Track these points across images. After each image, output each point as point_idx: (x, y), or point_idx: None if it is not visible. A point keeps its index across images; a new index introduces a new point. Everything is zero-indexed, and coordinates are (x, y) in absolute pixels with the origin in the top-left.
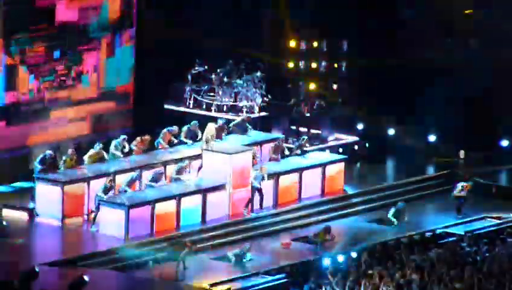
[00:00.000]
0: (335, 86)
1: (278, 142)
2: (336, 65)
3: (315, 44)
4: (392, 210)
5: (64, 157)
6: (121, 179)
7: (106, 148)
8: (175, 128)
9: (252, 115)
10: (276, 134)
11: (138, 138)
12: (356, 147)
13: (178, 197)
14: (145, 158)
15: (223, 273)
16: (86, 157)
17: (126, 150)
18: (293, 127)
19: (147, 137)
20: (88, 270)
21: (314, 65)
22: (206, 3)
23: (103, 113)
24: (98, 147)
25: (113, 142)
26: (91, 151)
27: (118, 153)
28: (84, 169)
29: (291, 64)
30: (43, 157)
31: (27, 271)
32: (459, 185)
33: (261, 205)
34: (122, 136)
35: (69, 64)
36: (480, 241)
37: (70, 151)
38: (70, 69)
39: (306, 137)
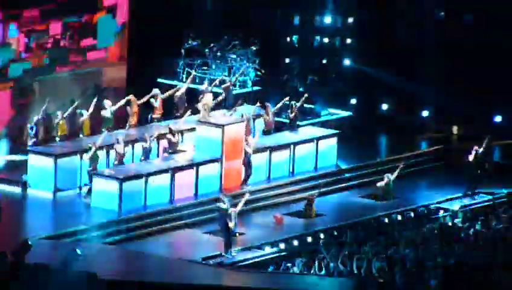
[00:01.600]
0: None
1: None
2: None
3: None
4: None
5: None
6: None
7: None
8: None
9: (245, 90)
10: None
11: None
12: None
13: (172, 170)
14: (138, 132)
15: (215, 247)
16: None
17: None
18: (286, 102)
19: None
20: (80, 243)
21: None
22: None
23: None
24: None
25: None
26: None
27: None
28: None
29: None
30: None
31: (20, 244)
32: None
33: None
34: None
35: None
36: (473, 217)
37: (59, 114)
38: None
39: (293, 103)
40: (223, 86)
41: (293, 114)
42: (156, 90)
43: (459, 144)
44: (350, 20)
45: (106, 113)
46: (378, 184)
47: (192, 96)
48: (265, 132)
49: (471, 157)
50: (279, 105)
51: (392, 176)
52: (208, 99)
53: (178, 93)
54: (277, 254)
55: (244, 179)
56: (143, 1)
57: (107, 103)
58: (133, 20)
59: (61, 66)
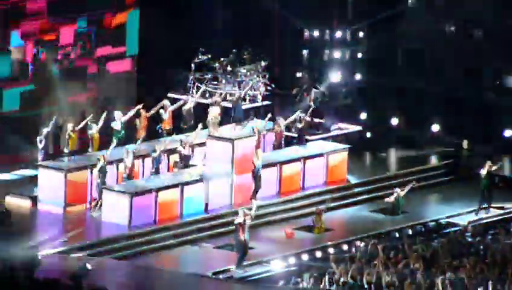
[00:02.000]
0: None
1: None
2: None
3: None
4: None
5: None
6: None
7: None
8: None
9: (256, 104)
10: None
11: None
12: (359, 137)
13: (181, 185)
14: (146, 146)
15: (225, 262)
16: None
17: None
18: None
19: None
20: (91, 258)
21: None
22: None
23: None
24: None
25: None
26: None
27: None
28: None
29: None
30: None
31: (31, 259)
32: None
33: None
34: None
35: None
36: (483, 231)
37: (70, 127)
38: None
39: (302, 115)
40: (231, 99)
41: (302, 125)
42: (165, 101)
43: (469, 159)
44: (360, 34)
45: (116, 125)
46: (387, 199)
47: (201, 111)
48: (275, 146)
49: (483, 172)
50: (291, 118)
51: (402, 192)
52: (214, 113)
53: (186, 107)
54: (287, 269)
55: (253, 192)
56: (153, 15)
57: (117, 114)
58: (143, 34)
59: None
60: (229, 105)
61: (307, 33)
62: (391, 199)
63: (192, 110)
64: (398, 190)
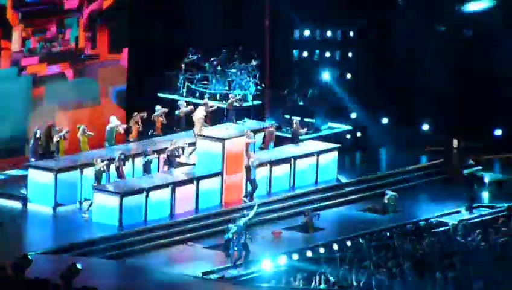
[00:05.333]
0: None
1: (267, 131)
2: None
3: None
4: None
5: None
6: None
7: None
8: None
9: (246, 104)
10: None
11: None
12: (348, 136)
13: (172, 185)
14: (138, 146)
15: (215, 262)
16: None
17: (121, 130)
18: (287, 116)
19: (142, 114)
20: (81, 258)
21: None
22: None
23: None
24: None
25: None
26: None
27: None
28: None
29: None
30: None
31: (20, 259)
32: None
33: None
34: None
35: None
36: (473, 230)
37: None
38: None
39: (297, 120)
40: (228, 102)
41: (294, 128)
42: (158, 108)
43: (459, 158)
44: (351, 33)
45: (109, 127)
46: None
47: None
48: (263, 148)
49: (471, 171)
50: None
51: (391, 192)
52: (199, 113)
53: (180, 111)
54: (278, 269)
55: (250, 193)
56: (143, 14)
57: (112, 118)
58: (132, 34)
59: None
60: (221, 105)
61: (297, 33)
62: (385, 199)
63: (184, 116)
64: (388, 191)
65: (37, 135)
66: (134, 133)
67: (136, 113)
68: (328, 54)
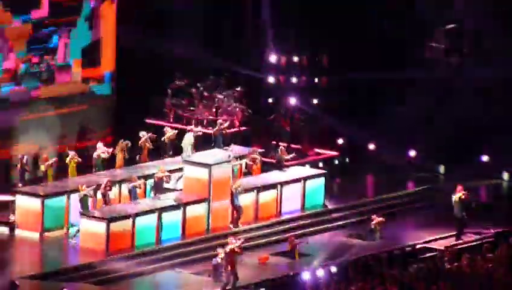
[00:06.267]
0: (315, 101)
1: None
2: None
3: (295, 59)
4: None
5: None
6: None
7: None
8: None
9: (233, 130)
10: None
11: (120, 142)
12: (336, 162)
13: (159, 211)
14: (124, 172)
15: (201, 287)
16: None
17: (105, 155)
18: (273, 142)
19: (127, 142)
20: (68, 284)
21: (294, 80)
22: (186, 19)
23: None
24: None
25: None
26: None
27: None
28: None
29: (271, 79)
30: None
31: (8, 284)
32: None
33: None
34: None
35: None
36: (460, 256)
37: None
38: None
39: (282, 147)
40: (214, 129)
41: (279, 154)
42: (143, 133)
43: (445, 184)
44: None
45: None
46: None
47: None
48: (247, 173)
49: (456, 197)
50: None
51: (380, 219)
52: (187, 139)
53: (166, 136)
54: None
55: (236, 219)
56: (129, 39)
57: (99, 146)
58: (119, 59)
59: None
60: (208, 131)
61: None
62: (371, 225)
63: (170, 142)
64: (375, 216)
65: (24, 161)
66: (119, 162)
67: (122, 140)
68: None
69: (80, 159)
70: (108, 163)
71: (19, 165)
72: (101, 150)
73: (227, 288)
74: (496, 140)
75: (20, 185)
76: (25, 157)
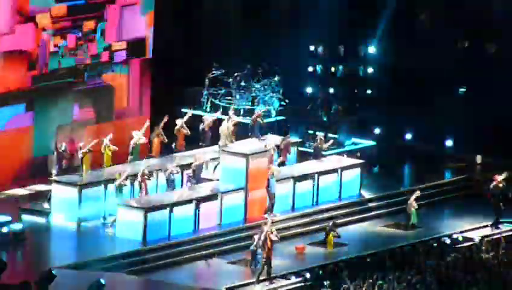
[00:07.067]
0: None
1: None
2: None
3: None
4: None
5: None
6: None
7: None
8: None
9: (269, 119)
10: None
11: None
12: (373, 152)
13: (195, 201)
14: (160, 161)
15: (238, 277)
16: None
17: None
18: (310, 132)
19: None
20: (104, 273)
21: (332, 69)
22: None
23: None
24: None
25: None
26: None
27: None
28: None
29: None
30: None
31: (44, 273)
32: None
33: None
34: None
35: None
36: (498, 246)
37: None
38: None
39: (321, 135)
40: (251, 118)
41: (317, 143)
42: (179, 122)
43: (482, 174)
44: (372, 49)
45: (134, 143)
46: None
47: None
48: (280, 163)
49: (494, 185)
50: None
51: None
52: (224, 127)
53: (205, 125)
54: (301, 284)
55: (269, 207)
56: (167, 30)
57: (134, 133)
58: (157, 49)
59: None
60: (245, 120)
61: (320, 49)
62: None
63: (209, 128)
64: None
65: (61, 149)
66: (156, 148)
67: (156, 127)
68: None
69: (115, 147)
70: (145, 150)
71: (55, 153)
72: (137, 138)
73: (260, 277)
74: None
75: (55, 173)
76: (63, 144)
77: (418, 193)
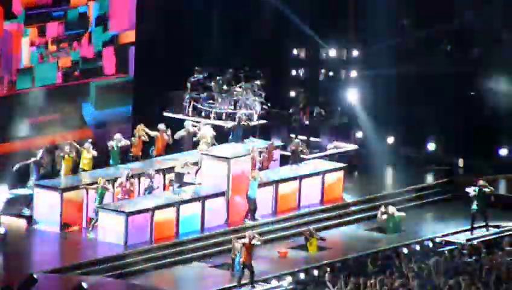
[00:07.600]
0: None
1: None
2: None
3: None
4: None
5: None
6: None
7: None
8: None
9: (251, 123)
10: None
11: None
12: (355, 155)
13: (177, 204)
14: (142, 165)
15: (221, 281)
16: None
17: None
18: (292, 135)
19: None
20: (87, 277)
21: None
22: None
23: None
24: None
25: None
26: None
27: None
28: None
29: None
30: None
31: (26, 278)
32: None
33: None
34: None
35: None
36: (480, 250)
37: (67, 148)
38: None
39: (299, 140)
40: (231, 124)
41: (294, 147)
42: (160, 126)
43: (464, 177)
44: (355, 53)
45: (113, 145)
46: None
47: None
48: (261, 168)
49: (474, 190)
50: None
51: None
52: (205, 132)
53: (186, 129)
54: (284, 288)
55: (249, 212)
56: (148, 34)
57: (116, 136)
58: (138, 53)
59: None
60: (227, 125)
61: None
62: (383, 216)
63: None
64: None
65: (40, 154)
66: (137, 148)
67: (139, 126)
68: (331, 73)
69: (95, 152)
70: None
71: (34, 159)
72: (118, 141)
73: (242, 282)
74: None
75: (33, 178)
76: (41, 149)
77: (382, 208)
